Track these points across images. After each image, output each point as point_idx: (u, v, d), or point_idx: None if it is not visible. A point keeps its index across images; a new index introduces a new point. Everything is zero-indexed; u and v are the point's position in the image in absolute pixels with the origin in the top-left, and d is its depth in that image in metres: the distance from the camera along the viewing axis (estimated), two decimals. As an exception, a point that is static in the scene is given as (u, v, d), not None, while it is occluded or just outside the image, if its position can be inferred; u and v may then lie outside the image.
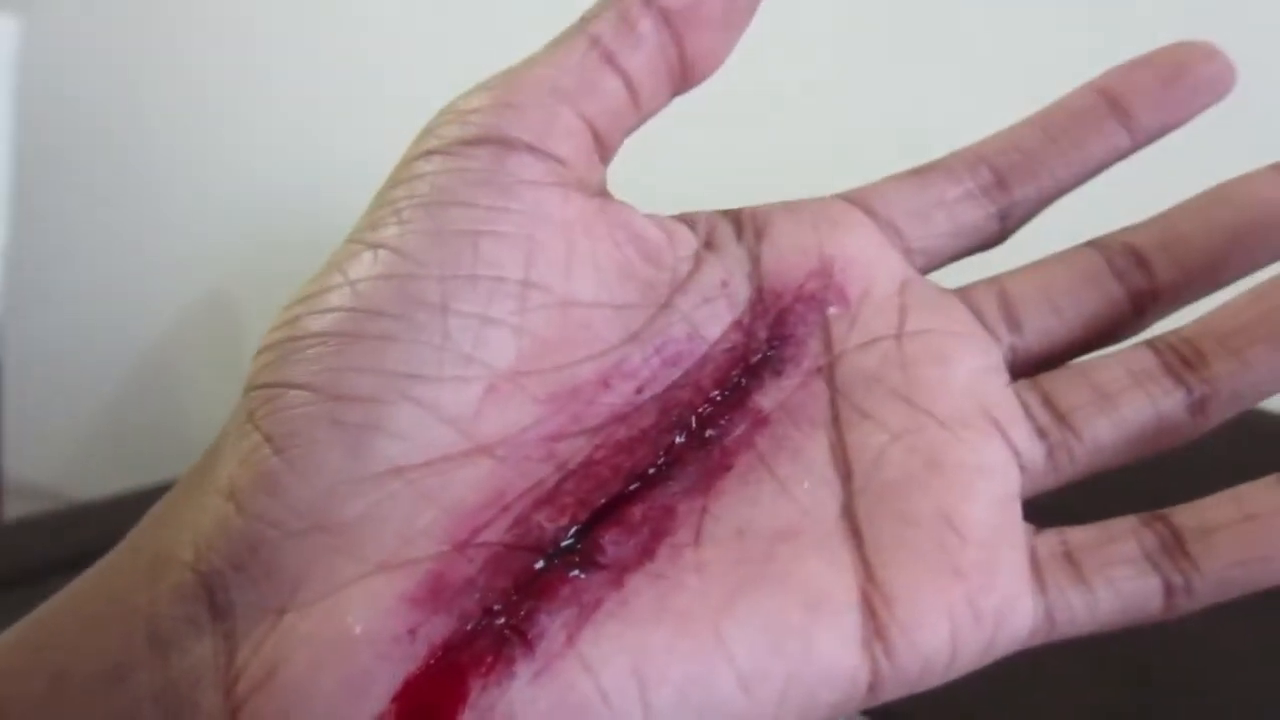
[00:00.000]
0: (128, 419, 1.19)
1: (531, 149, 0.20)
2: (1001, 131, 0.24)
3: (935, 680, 0.20)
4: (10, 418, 1.10)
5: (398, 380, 0.18)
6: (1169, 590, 0.20)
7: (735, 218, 0.23)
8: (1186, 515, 0.21)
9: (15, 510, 1.14)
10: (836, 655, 0.19)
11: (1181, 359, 0.21)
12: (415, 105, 0.26)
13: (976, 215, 0.23)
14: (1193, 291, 0.22)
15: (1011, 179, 0.23)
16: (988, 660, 0.20)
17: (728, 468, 0.20)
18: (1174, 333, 0.22)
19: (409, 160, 0.20)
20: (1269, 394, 0.21)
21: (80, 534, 0.72)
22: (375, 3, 0.96)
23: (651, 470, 0.20)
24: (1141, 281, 0.22)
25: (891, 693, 0.20)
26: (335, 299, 0.19)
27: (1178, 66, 0.22)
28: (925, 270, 0.23)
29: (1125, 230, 0.23)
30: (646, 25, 0.21)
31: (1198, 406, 0.21)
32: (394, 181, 0.20)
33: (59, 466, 1.21)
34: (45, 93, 1.07)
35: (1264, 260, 0.22)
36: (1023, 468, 0.21)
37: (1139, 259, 0.22)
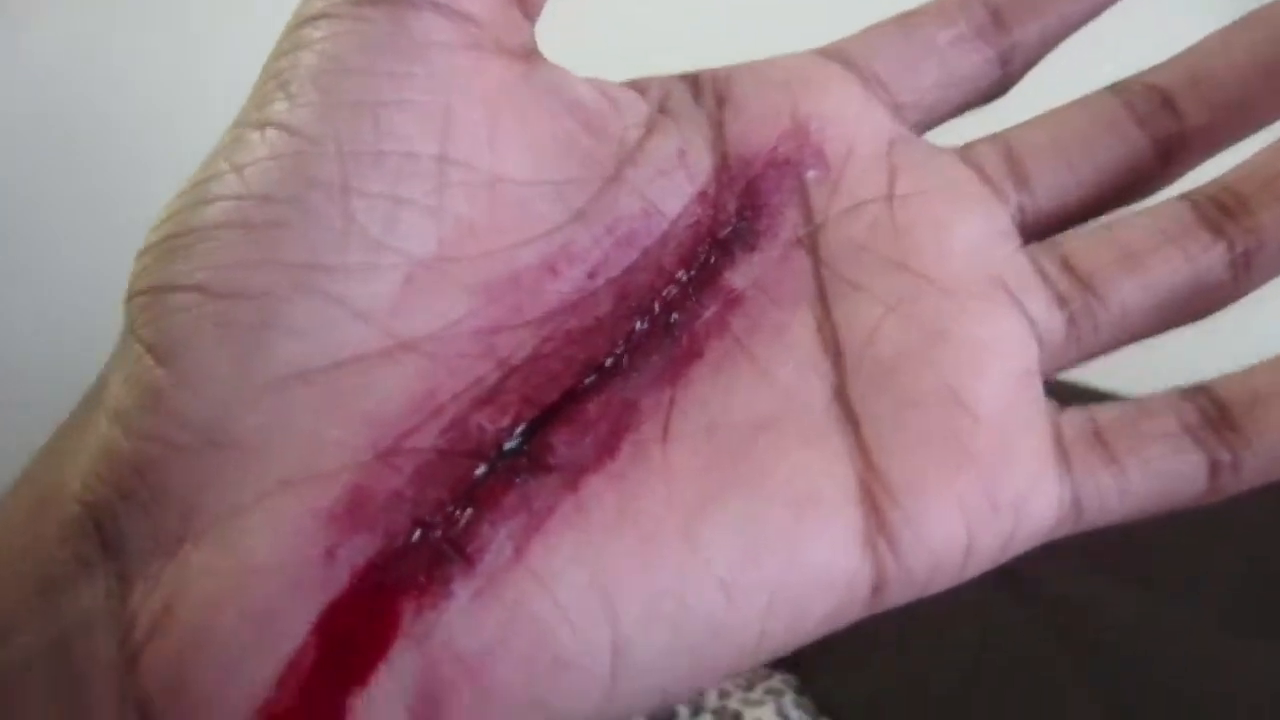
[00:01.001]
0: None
1: (436, 6, 0.17)
2: None
3: (948, 581, 0.17)
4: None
5: (295, 271, 0.16)
6: (1214, 469, 0.17)
7: (693, 80, 0.20)
8: (1231, 385, 0.18)
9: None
10: (830, 557, 0.16)
11: (1221, 208, 0.19)
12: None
13: (972, 61, 0.20)
14: (1227, 133, 0.20)
15: (1010, 16, 0.20)
16: (1007, 556, 0.18)
17: (698, 355, 0.18)
18: (1213, 181, 0.19)
19: (294, 27, 0.17)
20: None
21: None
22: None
23: (609, 361, 0.17)
24: (1168, 125, 0.19)
25: (899, 596, 0.17)
26: (219, 187, 0.16)
27: None
28: (923, 128, 0.21)
29: (1148, 70, 0.20)
30: None
31: (1241, 262, 0.18)
32: (278, 52, 0.17)
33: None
34: (30, 80, 1.06)
35: None
36: (1040, 340, 0.18)
37: (1164, 100, 0.20)
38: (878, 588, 0.17)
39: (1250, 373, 0.18)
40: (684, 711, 0.36)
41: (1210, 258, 0.19)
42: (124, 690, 0.15)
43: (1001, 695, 0.38)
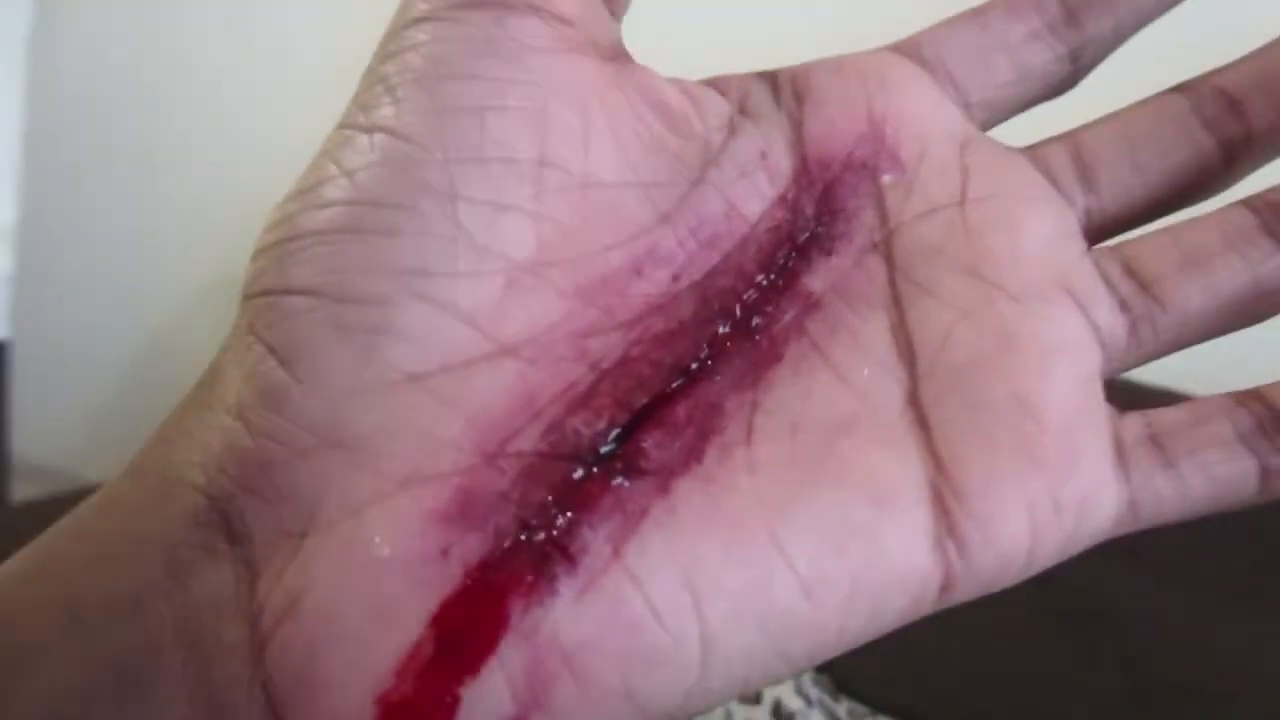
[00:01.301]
0: (137, 401, 1.17)
1: (533, 8, 0.18)
2: None
3: (1012, 579, 0.18)
4: (19, 399, 1.09)
5: (407, 278, 0.16)
6: (1265, 473, 0.18)
7: (772, 80, 0.20)
8: None
9: (24, 492, 1.12)
10: (906, 555, 0.17)
11: None
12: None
13: (1044, 57, 0.21)
14: None
15: (1083, 11, 0.20)
16: (1067, 555, 0.18)
17: (778, 357, 0.18)
18: (1274, 189, 0.19)
19: (398, 29, 0.18)
20: None
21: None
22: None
23: (694, 365, 0.18)
24: (1234, 128, 0.20)
25: (965, 594, 0.18)
26: (332, 192, 0.17)
27: None
28: (989, 125, 0.21)
29: (1216, 71, 0.20)
30: None
31: None
32: (383, 54, 0.18)
33: (68, 448, 1.19)
34: (57, 74, 1.05)
35: None
36: (1103, 344, 0.19)
37: (1230, 102, 0.20)
38: (945, 586, 0.18)
39: None
40: None
41: (1272, 265, 0.19)
42: (254, 673, 0.16)
43: (1012, 672, 0.40)
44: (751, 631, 0.17)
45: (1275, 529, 0.43)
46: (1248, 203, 0.19)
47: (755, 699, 0.37)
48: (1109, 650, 0.41)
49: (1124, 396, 0.19)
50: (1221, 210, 0.20)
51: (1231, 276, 0.19)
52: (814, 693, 0.38)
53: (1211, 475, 0.18)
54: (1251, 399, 0.19)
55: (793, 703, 0.37)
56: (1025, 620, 0.41)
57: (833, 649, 0.17)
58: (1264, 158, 0.20)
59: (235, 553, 0.16)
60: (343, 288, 0.16)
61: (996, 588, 0.18)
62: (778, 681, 0.37)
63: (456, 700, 0.16)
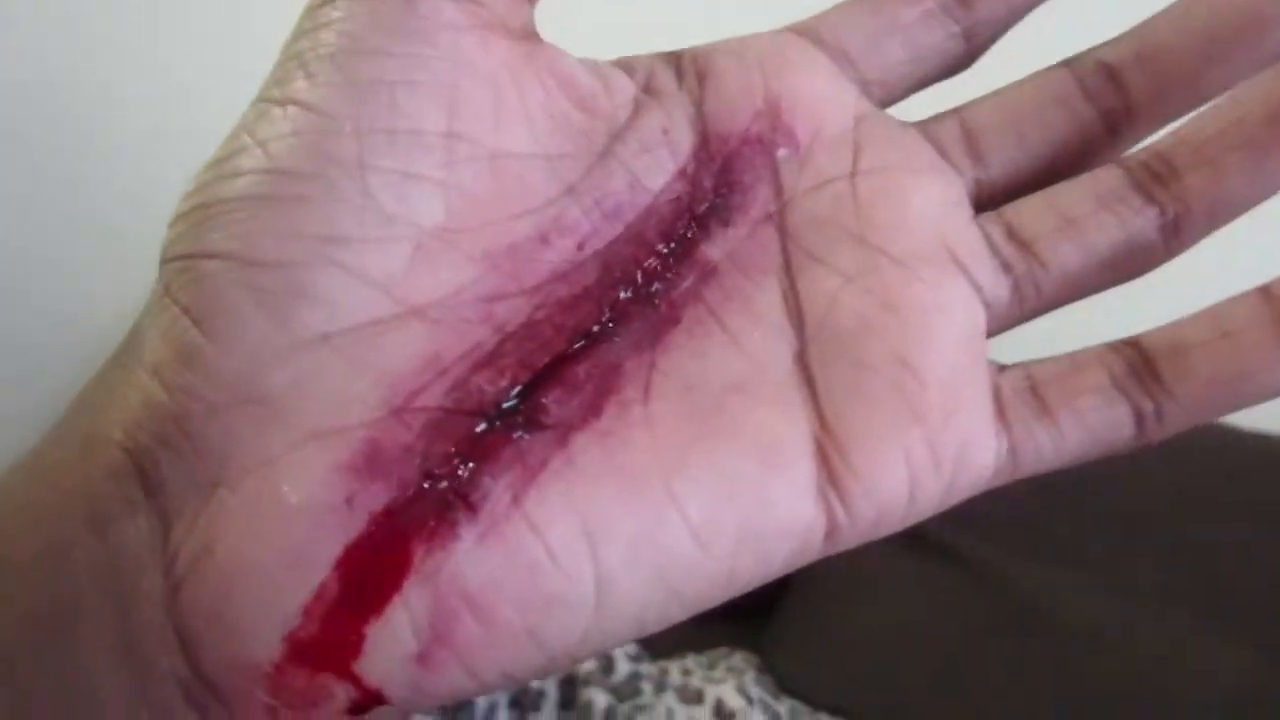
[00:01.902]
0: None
1: None
2: None
3: (894, 526, 0.19)
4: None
5: (317, 243, 0.17)
6: (1139, 418, 0.19)
7: (675, 61, 0.21)
8: (1159, 337, 0.20)
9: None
10: (791, 504, 0.18)
11: (1153, 174, 0.20)
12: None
13: (937, 36, 0.22)
14: (1172, 106, 0.21)
15: None
16: (949, 504, 0.20)
17: (675, 321, 0.20)
18: (1146, 147, 0.21)
19: (313, 7, 0.19)
20: (1244, 208, 0.20)
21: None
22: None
23: (596, 328, 0.19)
24: (1114, 99, 0.21)
25: (849, 541, 0.19)
26: (246, 161, 0.18)
27: None
28: (887, 102, 0.22)
29: (1099, 45, 0.21)
30: None
31: (1171, 227, 0.20)
32: (299, 32, 0.19)
33: (19, 455, 1.18)
34: (6, 77, 1.03)
35: (1247, 67, 0.20)
36: (986, 304, 0.20)
37: (1111, 74, 0.21)
38: (830, 533, 0.19)
39: (1174, 325, 0.20)
40: (648, 688, 0.38)
41: (1142, 221, 0.20)
42: (167, 618, 0.17)
43: (950, 672, 0.41)
44: (645, 574, 0.18)
45: (1199, 533, 0.44)
46: (1120, 161, 0.21)
47: (697, 698, 0.38)
48: (1043, 650, 0.42)
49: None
50: (1097, 171, 0.21)
51: (1106, 234, 0.20)
52: (755, 692, 0.39)
53: (1086, 423, 0.19)
54: (1127, 345, 0.20)
55: (734, 701, 0.38)
56: (963, 621, 0.42)
57: (723, 591, 0.18)
58: (1147, 128, 0.21)
59: (152, 504, 0.17)
60: (255, 252, 0.17)
61: (881, 534, 0.19)
62: (711, 681, 0.38)
63: (362, 638, 0.17)
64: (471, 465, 0.17)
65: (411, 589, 0.17)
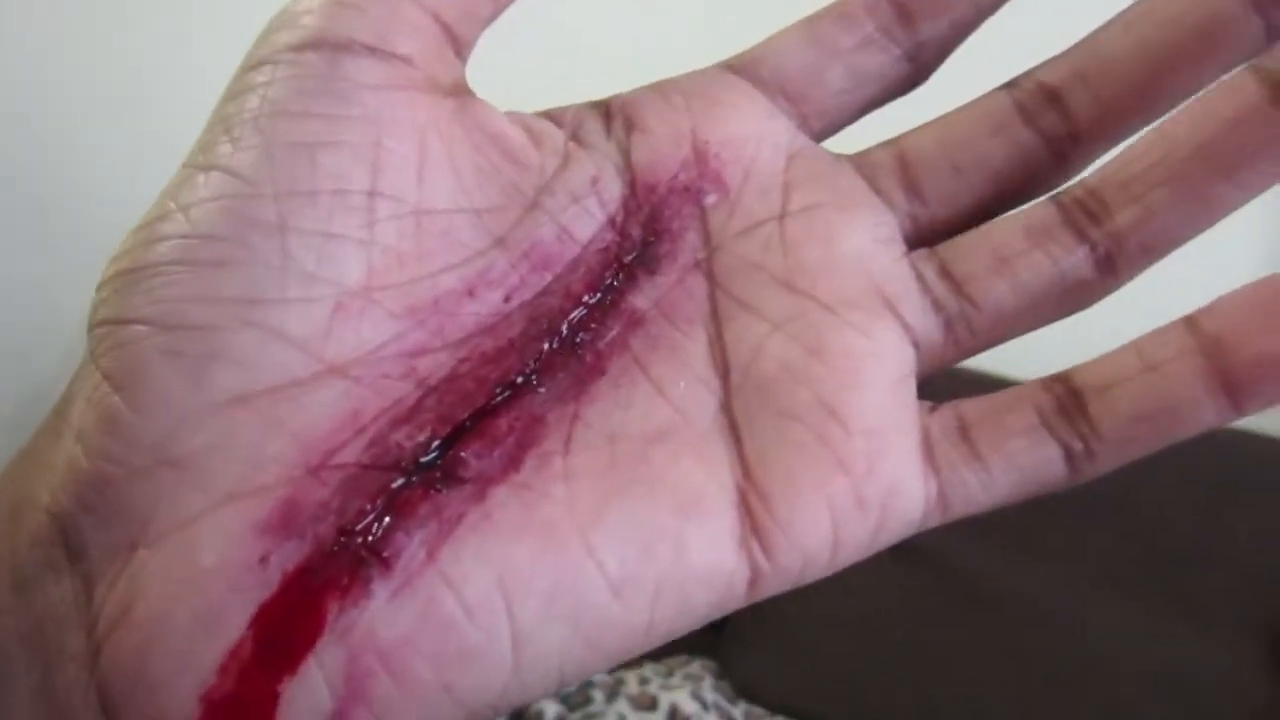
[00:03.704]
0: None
1: (371, 49, 0.19)
2: None
3: (819, 572, 0.19)
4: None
5: (236, 306, 0.18)
6: (1069, 456, 0.19)
7: (604, 109, 0.21)
8: (1086, 373, 0.19)
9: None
10: (710, 556, 0.18)
11: (1085, 211, 0.20)
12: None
13: (879, 61, 0.21)
14: (1119, 129, 0.20)
15: (917, 12, 0.21)
16: (875, 549, 0.19)
17: (601, 372, 0.20)
18: (1078, 183, 0.20)
19: (241, 72, 0.19)
20: (1178, 243, 0.19)
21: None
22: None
23: (519, 379, 0.19)
24: (1056, 123, 0.20)
25: (774, 588, 0.19)
26: (167, 227, 0.18)
27: None
28: (831, 131, 0.22)
29: (1039, 66, 0.21)
30: None
31: (1104, 263, 0.20)
32: (226, 96, 0.19)
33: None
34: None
35: (1195, 84, 0.20)
36: (916, 344, 0.20)
37: (1052, 96, 0.20)
38: (753, 582, 0.19)
39: (1102, 359, 0.20)
40: (599, 696, 0.38)
41: (1074, 259, 0.20)
42: (90, 679, 0.17)
43: (908, 664, 0.41)
44: (562, 629, 0.18)
45: (1147, 519, 0.43)
46: (1053, 198, 0.20)
47: (651, 705, 0.38)
48: (995, 637, 0.42)
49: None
50: (1030, 206, 0.20)
51: (1038, 273, 0.20)
52: (711, 697, 0.39)
53: (1016, 464, 0.19)
54: (1057, 381, 0.20)
55: (689, 707, 0.38)
56: (919, 615, 0.42)
57: (643, 643, 0.18)
58: (1093, 151, 0.20)
59: (75, 568, 0.18)
60: (174, 316, 0.17)
61: (806, 580, 0.19)
62: (668, 689, 0.38)
63: (276, 697, 0.17)
64: (387, 521, 0.18)
65: (325, 647, 0.17)
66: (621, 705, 0.38)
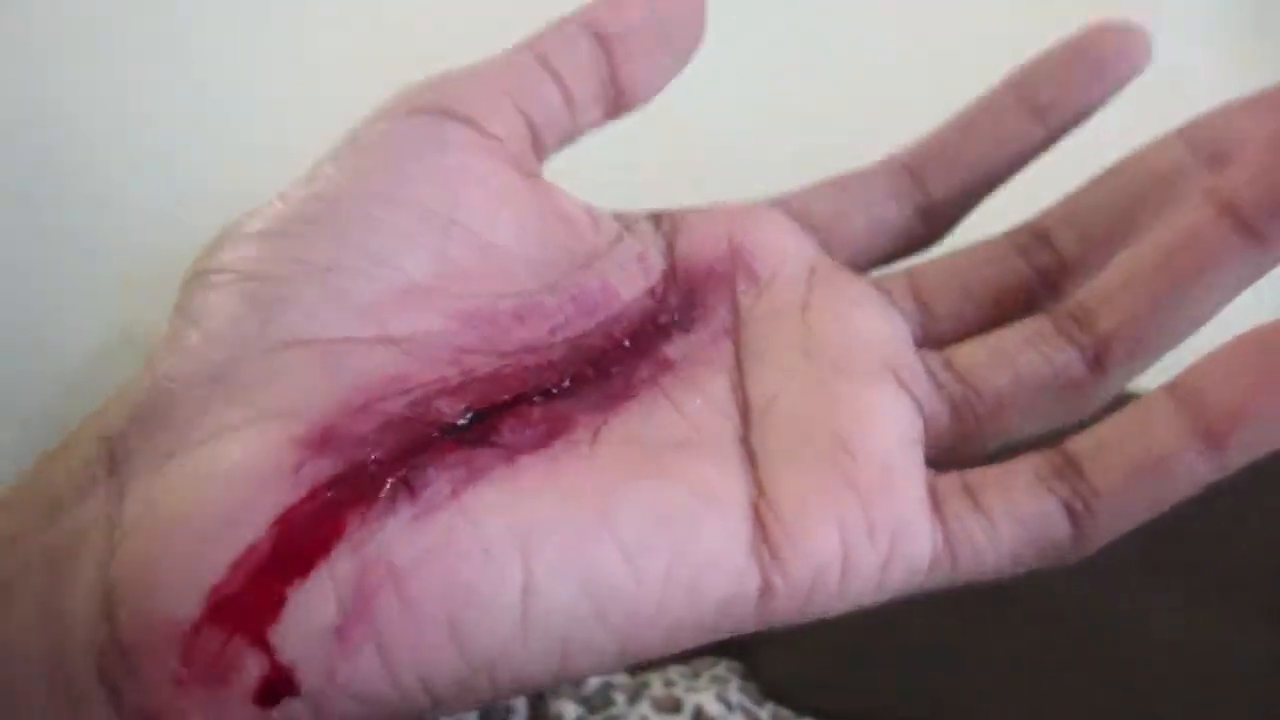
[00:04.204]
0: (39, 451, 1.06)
1: (470, 121, 0.22)
2: (922, 135, 0.25)
3: (831, 600, 0.19)
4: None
5: (314, 269, 0.20)
6: (1071, 514, 0.20)
7: (655, 215, 0.25)
8: (1081, 439, 0.21)
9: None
10: (723, 544, 0.19)
11: (1073, 320, 0.22)
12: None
13: (895, 214, 0.25)
14: (1097, 260, 0.23)
15: (928, 177, 0.25)
16: (886, 589, 0.20)
17: (630, 396, 0.21)
18: (1071, 299, 0.23)
19: (355, 129, 0.22)
20: (1164, 346, 0.21)
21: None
22: (317, 19, 0.82)
23: (554, 390, 0.21)
24: (1045, 256, 0.24)
25: (786, 604, 0.19)
26: (269, 208, 0.21)
27: (1083, 47, 0.24)
28: (852, 268, 0.25)
29: (1040, 213, 0.24)
30: (584, 44, 0.23)
31: (1094, 361, 0.21)
32: (349, 138, 0.22)
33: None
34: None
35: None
36: (924, 417, 0.22)
37: (1042, 236, 0.24)
38: (764, 591, 0.19)
39: (1096, 428, 0.21)
40: (621, 698, 0.35)
41: (1067, 357, 0.22)
42: (100, 578, 0.17)
43: (937, 669, 0.38)
44: (572, 588, 0.18)
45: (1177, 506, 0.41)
46: (1048, 312, 0.23)
47: (675, 707, 0.35)
48: (1033, 638, 0.39)
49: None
50: (1027, 320, 0.23)
51: (1033, 366, 0.22)
52: (737, 698, 0.36)
53: (1018, 515, 0.20)
54: (1055, 452, 0.21)
55: (713, 708, 0.35)
56: (946, 613, 0.39)
57: (651, 625, 0.18)
58: (1077, 279, 0.23)
59: (112, 481, 0.18)
60: (256, 268, 0.19)
61: (815, 608, 0.19)
62: (693, 690, 0.35)
63: (282, 600, 0.17)
64: (420, 459, 0.18)
65: (339, 557, 0.17)
66: (644, 708, 0.34)
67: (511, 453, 0.19)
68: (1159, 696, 0.37)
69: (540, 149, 0.24)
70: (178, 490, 0.17)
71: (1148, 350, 0.22)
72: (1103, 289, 0.22)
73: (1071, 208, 0.24)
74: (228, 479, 0.17)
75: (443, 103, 0.22)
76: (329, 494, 0.17)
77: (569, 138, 0.24)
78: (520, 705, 0.35)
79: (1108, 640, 0.39)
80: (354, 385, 0.19)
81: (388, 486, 0.18)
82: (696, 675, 0.39)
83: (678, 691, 0.37)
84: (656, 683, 0.37)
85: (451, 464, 0.18)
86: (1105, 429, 0.21)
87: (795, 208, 0.25)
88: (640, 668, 0.41)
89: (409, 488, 0.18)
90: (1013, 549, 0.20)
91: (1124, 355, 0.21)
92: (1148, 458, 0.20)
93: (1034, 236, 0.24)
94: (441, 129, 0.22)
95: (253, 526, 0.17)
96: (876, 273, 0.25)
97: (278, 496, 0.17)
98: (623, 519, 0.18)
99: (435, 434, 0.19)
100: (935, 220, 0.25)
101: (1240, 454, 0.19)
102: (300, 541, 0.17)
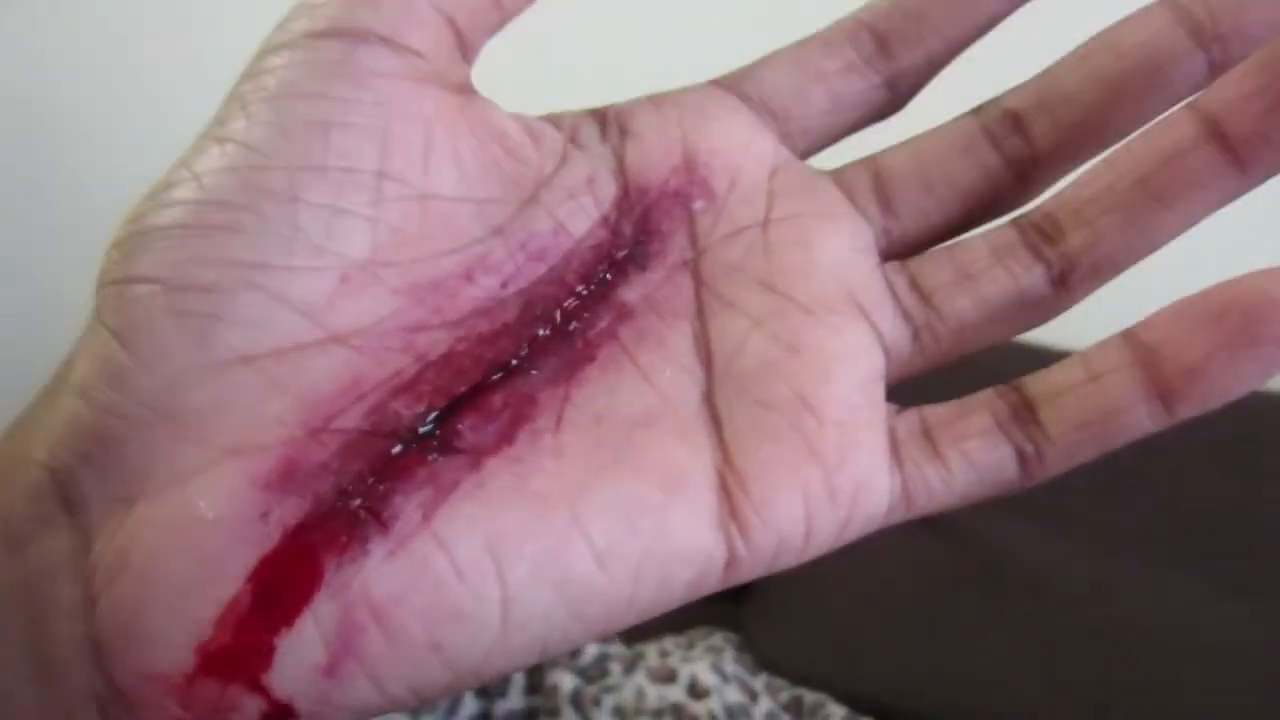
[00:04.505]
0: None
1: (385, 40, 0.20)
2: None
3: (792, 559, 0.20)
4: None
5: (244, 269, 0.18)
6: (1022, 458, 0.20)
7: (600, 116, 0.23)
8: (1037, 383, 0.21)
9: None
10: (691, 534, 0.19)
11: (1041, 233, 0.21)
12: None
13: (859, 87, 0.23)
14: (1078, 154, 0.22)
15: (895, 44, 0.22)
16: (844, 540, 0.20)
17: (590, 358, 0.21)
18: (1038, 206, 0.22)
19: (258, 55, 0.20)
20: (1126, 264, 0.21)
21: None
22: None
23: (514, 361, 0.20)
24: (1019, 147, 0.22)
25: (749, 571, 0.20)
26: (180, 193, 0.19)
27: None
28: (813, 150, 0.23)
29: (1006, 93, 0.22)
30: None
31: (1058, 280, 0.21)
32: (243, 76, 0.20)
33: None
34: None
35: (1151, 111, 0.21)
36: (887, 350, 0.21)
37: (1016, 121, 0.22)
38: (729, 563, 0.20)
39: (1051, 370, 0.21)
40: (617, 669, 0.38)
41: (1032, 277, 0.21)
42: (84, 629, 0.17)
43: (931, 639, 0.41)
44: (548, 595, 0.18)
45: (1164, 482, 0.44)
46: (1014, 221, 0.22)
47: (670, 677, 0.38)
48: (1022, 608, 0.42)
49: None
50: (994, 227, 0.22)
51: (998, 287, 0.21)
52: (731, 669, 0.39)
53: (973, 463, 0.21)
54: (1011, 390, 0.21)
55: (708, 678, 0.38)
56: (939, 584, 0.42)
57: (623, 615, 0.19)
58: (1053, 173, 0.22)
59: (73, 521, 0.18)
60: (181, 277, 0.18)
61: (779, 567, 0.20)
62: (688, 660, 0.38)
63: (272, 649, 0.17)
64: (385, 484, 0.18)
65: (321, 601, 0.17)
66: (640, 678, 0.38)
67: (476, 458, 0.19)
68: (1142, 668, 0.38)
69: (467, 49, 0.21)
70: (148, 544, 0.17)
71: (1112, 268, 0.21)
72: (1073, 202, 0.21)
73: (1047, 90, 0.22)
74: (197, 532, 0.17)
75: (348, 20, 0.20)
76: (300, 538, 0.17)
77: (495, 29, 0.21)
78: (517, 675, 0.36)
79: (1106, 612, 0.40)
80: (307, 404, 0.18)
81: (359, 520, 0.18)
82: (691, 646, 0.40)
83: (673, 662, 0.38)
84: (652, 653, 0.39)
85: (418, 483, 0.18)
86: (1060, 375, 0.21)
87: (751, 91, 0.23)
88: (636, 638, 0.42)
89: (378, 519, 0.18)
90: (964, 491, 0.21)
91: (1089, 273, 0.21)
92: (1100, 411, 0.20)
93: (1005, 120, 0.22)
94: (353, 56, 0.20)
95: (229, 578, 0.17)
96: (838, 157, 0.24)
97: (250, 546, 0.17)
98: (593, 524, 0.19)
99: (397, 447, 0.19)
100: (899, 90, 0.23)
101: (1189, 411, 0.20)
102: (278, 591, 0.17)
